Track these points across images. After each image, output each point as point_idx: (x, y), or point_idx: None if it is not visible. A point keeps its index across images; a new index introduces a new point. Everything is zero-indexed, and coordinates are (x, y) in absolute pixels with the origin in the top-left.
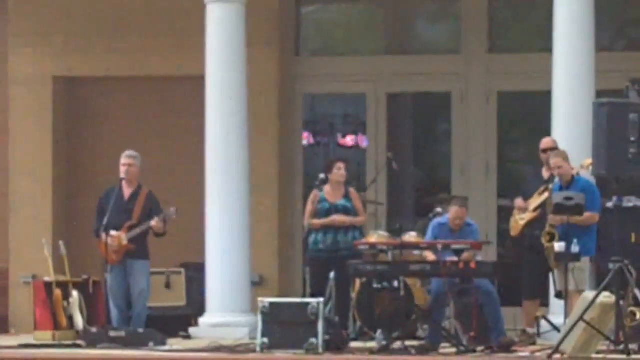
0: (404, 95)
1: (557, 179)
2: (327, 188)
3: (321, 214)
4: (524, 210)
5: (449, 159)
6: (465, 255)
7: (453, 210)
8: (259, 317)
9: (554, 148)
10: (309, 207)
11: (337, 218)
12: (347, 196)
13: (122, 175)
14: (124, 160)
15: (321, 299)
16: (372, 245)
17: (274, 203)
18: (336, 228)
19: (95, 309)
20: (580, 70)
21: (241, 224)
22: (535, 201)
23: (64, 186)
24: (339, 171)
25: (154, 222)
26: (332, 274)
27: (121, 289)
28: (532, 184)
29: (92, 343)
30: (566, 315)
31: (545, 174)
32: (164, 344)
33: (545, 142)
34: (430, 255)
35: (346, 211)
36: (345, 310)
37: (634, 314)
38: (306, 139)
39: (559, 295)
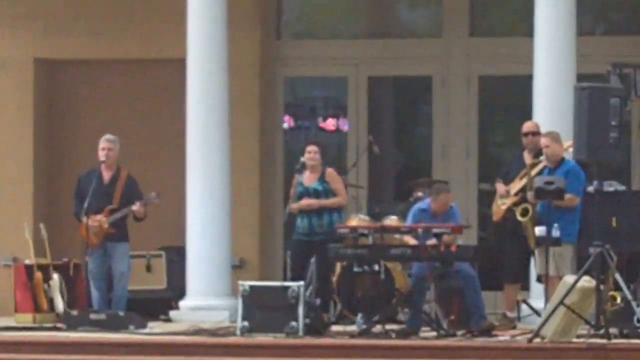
0: (385, 79)
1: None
2: (306, 172)
3: (297, 198)
4: (506, 195)
5: (430, 142)
6: (445, 238)
7: (439, 199)
8: (240, 301)
9: (536, 132)
10: (290, 191)
11: (303, 202)
12: (322, 178)
13: (101, 159)
14: (102, 144)
15: (301, 283)
16: (353, 229)
17: (255, 186)
18: (309, 212)
19: (75, 291)
20: (561, 54)
21: (222, 207)
22: (517, 185)
23: (45, 169)
24: (309, 155)
25: (135, 207)
26: (313, 259)
27: (101, 271)
28: (514, 167)
29: (72, 326)
30: (546, 300)
31: (527, 157)
32: (144, 327)
33: (527, 126)
34: (410, 240)
35: (316, 194)
36: (326, 294)
37: (614, 298)
38: (287, 122)
39: (539, 279)
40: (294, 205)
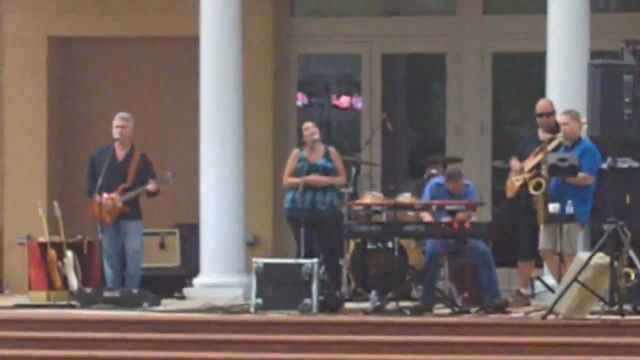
0: (399, 56)
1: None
2: (306, 149)
3: (300, 173)
4: (520, 171)
5: (444, 120)
6: (459, 215)
7: (453, 186)
8: (253, 278)
9: (551, 112)
10: (288, 165)
11: (315, 178)
12: (327, 156)
13: (115, 136)
14: (117, 122)
15: (315, 260)
16: (367, 206)
17: (268, 163)
18: (315, 188)
19: (89, 269)
20: (575, 31)
21: (235, 184)
22: (531, 162)
23: (59, 146)
24: (307, 131)
25: (149, 186)
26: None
27: (115, 249)
28: (528, 146)
29: (86, 303)
30: (559, 276)
31: (542, 135)
32: (158, 304)
33: (541, 106)
34: (427, 216)
35: (326, 171)
36: (334, 271)
37: (628, 275)
38: (301, 99)
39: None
40: (300, 180)
